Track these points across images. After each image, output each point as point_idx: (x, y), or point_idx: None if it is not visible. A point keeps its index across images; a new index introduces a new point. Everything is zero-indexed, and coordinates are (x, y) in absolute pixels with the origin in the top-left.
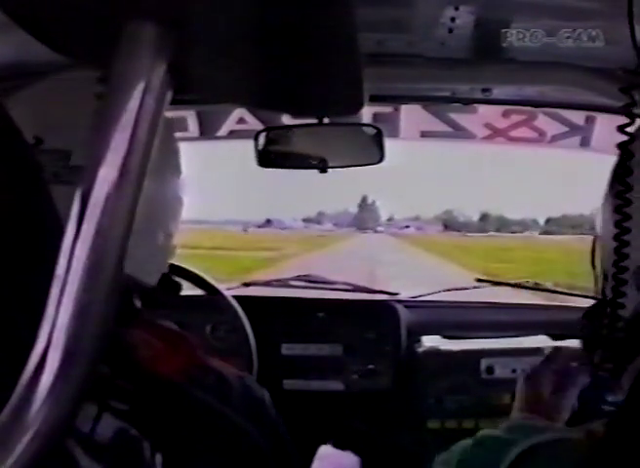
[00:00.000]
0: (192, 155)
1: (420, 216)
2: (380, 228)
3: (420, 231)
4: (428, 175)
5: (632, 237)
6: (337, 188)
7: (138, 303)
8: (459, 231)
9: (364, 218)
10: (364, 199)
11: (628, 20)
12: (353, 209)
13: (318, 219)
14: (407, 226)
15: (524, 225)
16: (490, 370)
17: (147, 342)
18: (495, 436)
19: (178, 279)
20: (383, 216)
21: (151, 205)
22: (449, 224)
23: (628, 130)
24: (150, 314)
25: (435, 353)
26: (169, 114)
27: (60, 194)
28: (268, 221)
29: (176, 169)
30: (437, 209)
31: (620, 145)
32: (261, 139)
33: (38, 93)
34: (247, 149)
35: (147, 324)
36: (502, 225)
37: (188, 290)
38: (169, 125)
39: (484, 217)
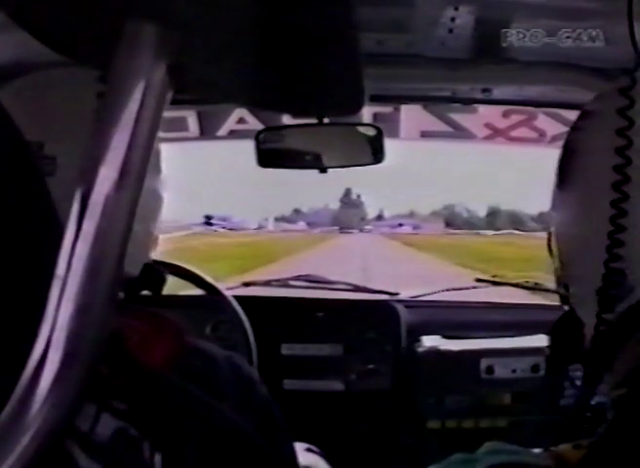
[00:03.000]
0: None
1: (416, 213)
2: (367, 227)
3: (417, 230)
4: (424, 165)
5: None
6: (317, 183)
7: (119, 294)
8: (461, 229)
9: (347, 216)
10: (347, 193)
11: (628, 20)
12: (335, 205)
13: (293, 218)
14: (400, 224)
15: (544, 221)
16: (490, 369)
17: (133, 328)
18: (463, 457)
19: (163, 271)
20: (371, 213)
21: None
22: (451, 222)
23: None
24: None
25: (435, 353)
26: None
27: (58, 194)
28: (208, 219)
29: (155, 167)
30: (435, 203)
31: (618, 150)
32: (262, 139)
33: (11, 87)
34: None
35: (130, 310)
36: (516, 222)
37: (188, 290)
38: None
39: (493, 213)
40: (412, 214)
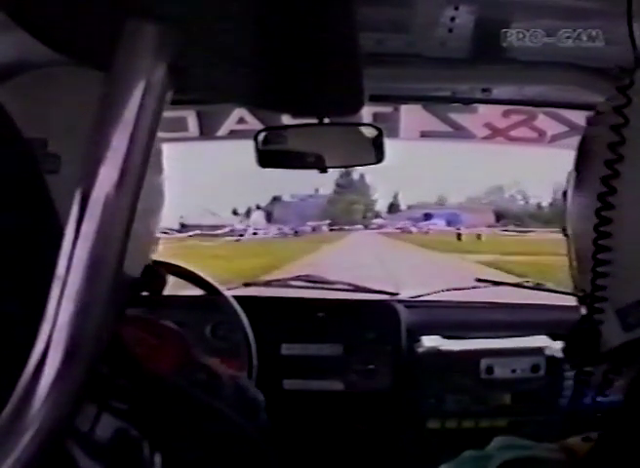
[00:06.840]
0: None
1: (446, 200)
2: (375, 221)
3: (457, 227)
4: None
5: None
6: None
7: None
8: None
9: (345, 204)
10: (346, 171)
11: (627, 20)
12: (328, 190)
13: (267, 209)
14: (427, 216)
15: None
16: (490, 370)
17: (141, 339)
18: (475, 455)
19: (164, 273)
20: (381, 202)
21: None
22: (500, 214)
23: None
24: (148, 313)
25: (435, 353)
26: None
27: (61, 191)
28: None
29: (157, 166)
30: (473, 187)
31: (610, 145)
32: (261, 139)
33: (15, 85)
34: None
35: (140, 320)
36: None
37: (188, 290)
38: None
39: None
40: (441, 203)
